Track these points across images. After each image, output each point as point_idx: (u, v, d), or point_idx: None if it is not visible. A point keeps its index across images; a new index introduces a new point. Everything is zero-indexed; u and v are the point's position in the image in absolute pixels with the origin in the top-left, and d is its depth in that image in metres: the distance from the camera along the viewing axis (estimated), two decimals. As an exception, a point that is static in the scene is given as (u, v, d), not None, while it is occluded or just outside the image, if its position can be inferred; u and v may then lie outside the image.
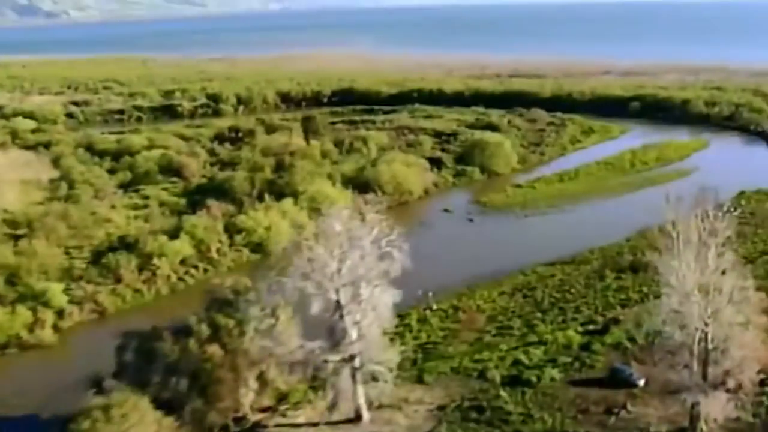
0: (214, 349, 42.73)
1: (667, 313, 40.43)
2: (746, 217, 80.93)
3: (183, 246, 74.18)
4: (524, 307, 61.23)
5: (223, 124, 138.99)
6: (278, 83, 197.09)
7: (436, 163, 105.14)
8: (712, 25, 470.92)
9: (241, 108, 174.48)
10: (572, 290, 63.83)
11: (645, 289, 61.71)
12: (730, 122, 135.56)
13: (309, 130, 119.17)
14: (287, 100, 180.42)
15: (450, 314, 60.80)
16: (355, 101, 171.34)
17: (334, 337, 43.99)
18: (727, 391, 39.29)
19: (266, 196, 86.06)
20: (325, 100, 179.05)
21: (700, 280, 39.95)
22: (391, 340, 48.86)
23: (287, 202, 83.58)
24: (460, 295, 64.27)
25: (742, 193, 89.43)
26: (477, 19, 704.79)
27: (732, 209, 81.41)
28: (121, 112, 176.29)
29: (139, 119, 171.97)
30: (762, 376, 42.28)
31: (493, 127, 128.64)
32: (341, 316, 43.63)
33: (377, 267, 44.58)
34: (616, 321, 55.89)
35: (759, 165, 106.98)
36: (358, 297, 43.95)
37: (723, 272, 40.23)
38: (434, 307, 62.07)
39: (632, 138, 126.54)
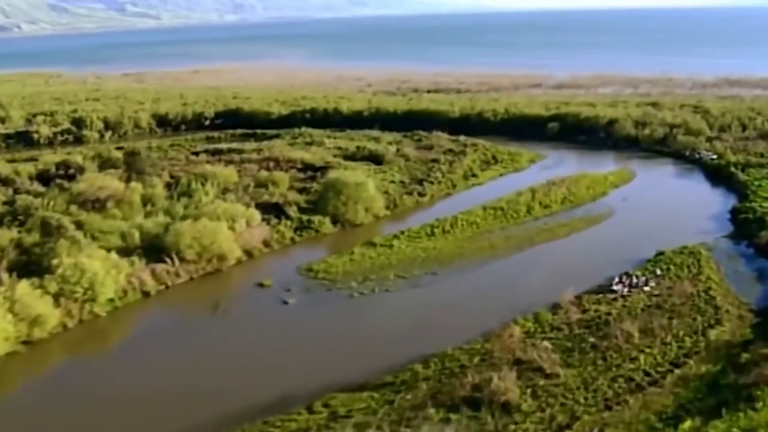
0: None
1: None
2: (661, 294, 58.26)
3: None
4: (277, 488, 37.53)
5: (51, 158, 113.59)
6: (164, 103, 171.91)
7: (278, 211, 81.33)
8: (674, 33, 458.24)
9: (109, 134, 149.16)
10: (367, 448, 40.36)
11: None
12: (662, 146, 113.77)
13: (132, 168, 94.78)
14: (164, 123, 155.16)
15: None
16: (241, 123, 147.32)
17: None
18: None
19: (7, 273, 61.72)
20: (208, 122, 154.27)
21: None
22: None
23: (23, 285, 58.98)
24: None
25: (660, 254, 66.71)
26: (436, 29, 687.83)
27: (643, 282, 59.08)
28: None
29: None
30: None
31: (375, 158, 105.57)
32: None
33: None
34: None
35: (691, 206, 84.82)
36: None
37: None
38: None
39: (542, 168, 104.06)
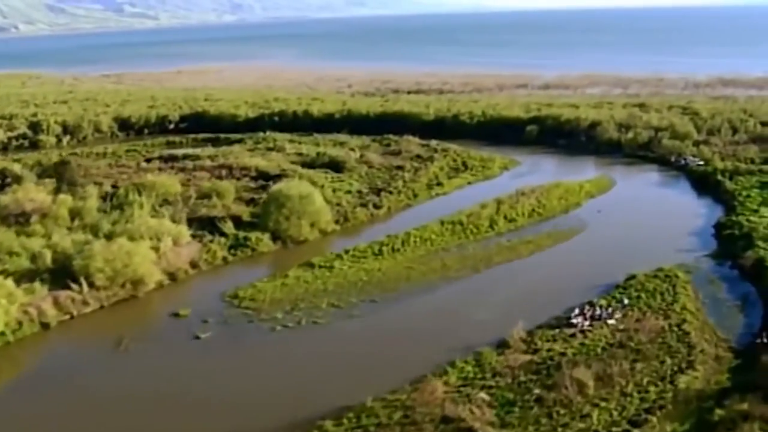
0: None
1: None
2: (627, 328, 50.20)
3: None
4: None
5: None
6: (131, 105, 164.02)
7: (213, 226, 73.41)
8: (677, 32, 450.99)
9: (67, 138, 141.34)
10: None
11: None
12: (646, 151, 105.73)
13: (63, 179, 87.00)
14: (127, 127, 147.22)
15: None
16: (206, 127, 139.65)
17: None
18: None
19: None
20: (172, 126, 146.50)
21: None
22: None
23: None
24: None
25: (631, 278, 58.69)
26: (434, 29, 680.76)
27: (607, 314, 50.83)
28: None
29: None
30: None
31: (336, 165, 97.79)
32: None
33: None
34: None
35: (672, 219, 76.68)
36: None
37: None
38: None
39: (515, 176, 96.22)
